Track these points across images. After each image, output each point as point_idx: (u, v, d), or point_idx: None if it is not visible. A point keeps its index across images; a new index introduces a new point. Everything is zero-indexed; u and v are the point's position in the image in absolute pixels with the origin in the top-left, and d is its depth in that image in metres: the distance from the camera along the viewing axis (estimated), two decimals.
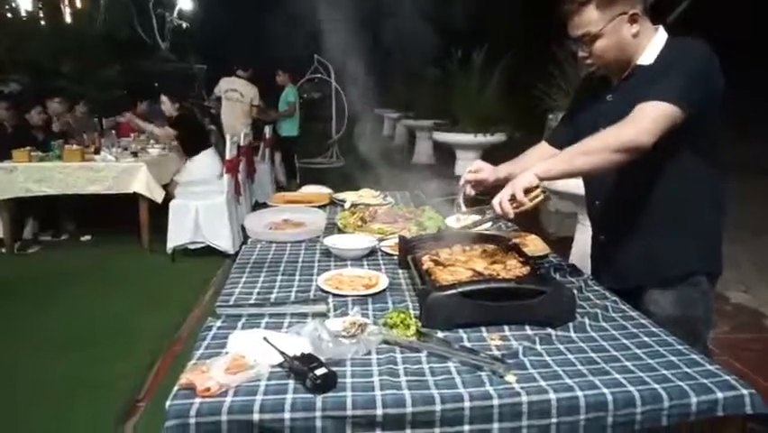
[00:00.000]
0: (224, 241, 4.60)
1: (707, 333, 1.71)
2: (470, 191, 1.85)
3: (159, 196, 4.83)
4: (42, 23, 10.39)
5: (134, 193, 4.81)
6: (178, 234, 4.59)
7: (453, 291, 1.40)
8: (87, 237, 5.42)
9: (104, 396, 2.63)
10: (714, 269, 1.69)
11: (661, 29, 1.63)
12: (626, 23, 1.55)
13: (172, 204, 4.67)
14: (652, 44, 1.59)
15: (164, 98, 5.38)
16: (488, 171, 1.84)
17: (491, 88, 7.29)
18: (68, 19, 10.88)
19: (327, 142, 10.54)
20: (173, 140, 5.52)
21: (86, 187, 4.77)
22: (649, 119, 1.45)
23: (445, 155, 8.91)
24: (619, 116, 1.61)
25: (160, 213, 4.85)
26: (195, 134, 5.46)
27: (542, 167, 1.55)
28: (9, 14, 9.66)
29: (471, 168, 1.86)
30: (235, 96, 6.94)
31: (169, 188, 5.17)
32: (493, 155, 7.60)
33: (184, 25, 15.23)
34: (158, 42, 14.16)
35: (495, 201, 1.55)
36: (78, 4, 11.24)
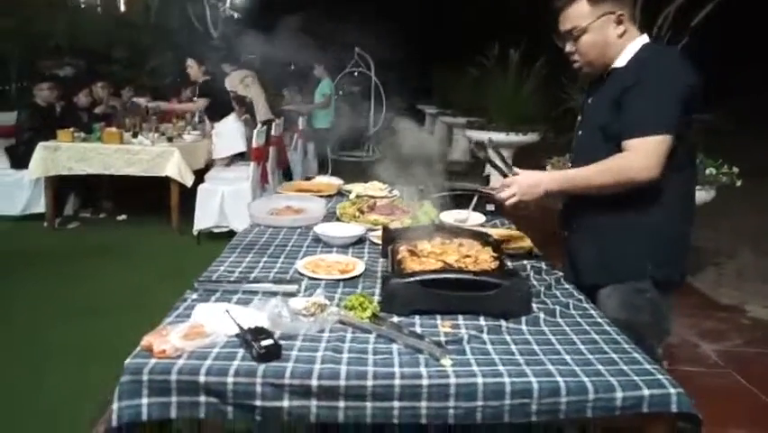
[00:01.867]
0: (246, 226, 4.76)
1: (656, 340, 1.70)
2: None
3: (189, 180, 5.04)
4: (99, 10, 10.87)
5: (166, 177, 5.03)
6: (203, 218, 4.80)
7: (411, 279, 1.47)
8: (123, 216, 5.70)
9: (118, 362, 2.82)
10: (665, 277, 1.68)
11: (644, 36, 1.68)
12: (613, 23, 1.62)
13: (200, 188, 4.88)
14: (629, 48, 1.65)
15: (191, 62, 5.41)
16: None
17: (527, 87, 7.22)
18: (122, 7, 11.36)
19: (364, 136, 10.66)
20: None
21: (123, 168, 5.03)
22: (650, 157, 1.52)
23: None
24: (591, 117, 1.73)
25: (193, 196, 5.06)
26: (221, 100, 5.59)
27: (552, 185, 1.67)
28: (67, 1, 10.14)
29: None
30: (250, 81, 7.07)
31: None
32: (526, 155, 7.58)
33: (235, 16, 15.64)
34: (210, 32, 14.61)
35: (504, 195, 1.70)
36: None
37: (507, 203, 1.70)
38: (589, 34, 1.63)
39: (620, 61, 1.66)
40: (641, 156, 1.52)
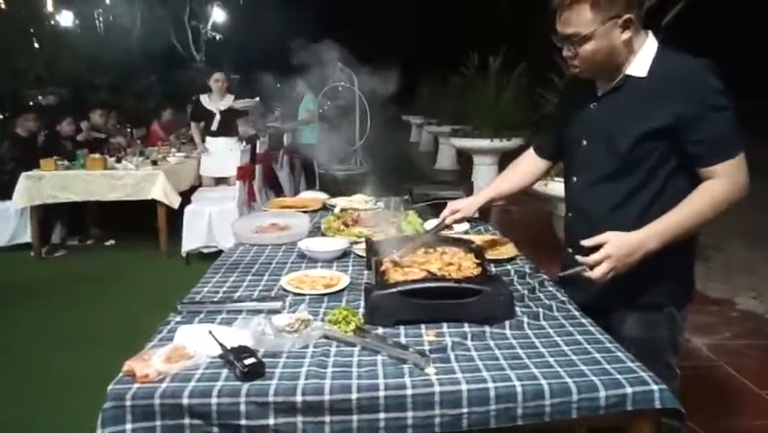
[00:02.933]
0: None
1: (671, 355, 1.66)
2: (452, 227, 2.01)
3: (175, 202, 5.03)
4: (80, 37, 10.88)
5: (153, 199, 5.02)
6: (191, 239, 4.79)
7: (393, 290, 1.48)
8: (111, 242, 5.68)
9: (105, 390, 2.81)
10: (681, 301, 1.66)
11: (650, 35, 1.57)
12: (619, 28, 1.48)
13: (187, 209, 4.87)
14: (642, 53, 1.53)
15: (220, 75, 5.69)
16: (465, 209, 1.97)
17: (508, 94, 7.29)
18: (104, 33, 11.40)
19: (351, 149, 10.68)
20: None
21: (108, 194, 5.02)
22: (742, 174, 1.49)
23: (468, 160, 8.96)
24: (604, 130, 1.60)
25: (180, 218, 5.05)
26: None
27: (656, 244, 1.47)
28: (48, 30, 10.15)
29: (447, 211, 1.99)
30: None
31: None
32: (510, 160, 7.63)
33: (217, 37, 15.71)
34: (192, 54, 14.65)
35: (597, 275, 1.46)
36: (115, 19, 11.76)
37: (605, 280, 1.47)
38: (593, 41, 1.48)
39: (637, 69, 1.53)
40: (733, 179, 1.47)
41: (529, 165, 2.02)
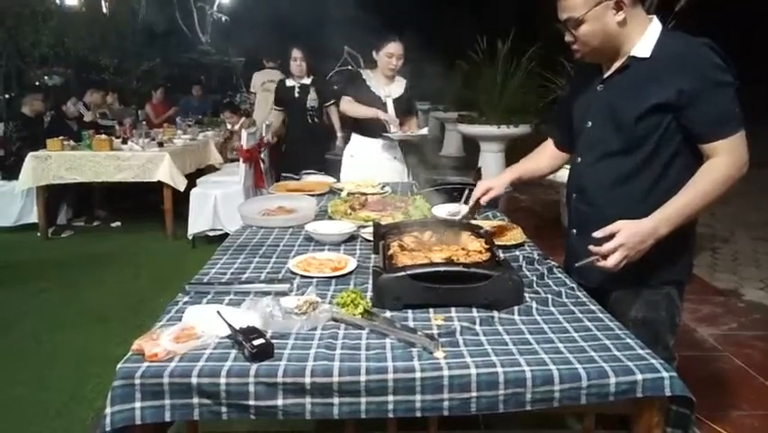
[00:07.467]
0: None
1: (670, 336, 1.69)
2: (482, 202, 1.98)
3: (181, 184, 5.03)
4: (85, 17, 10.81)
5: (159, 181, 5.02)
6: (197, 222, 4.79)
7: (402, 274, 1.47)
8: (118, 224, 5.69)
9: (112, 369, 2.82)
10: (682, 278, 1.68)
11: (655, 19, 1.60)
12: (611, 10, 1.52)
13: (193, 192, 4.86)
14: (646, 35, 1.56)
15: (400, 49, 3.71)
16: (497, 186, 1.96)
17: (516, 80, 7.21)
18: (109, 13, 11.31)
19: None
20: None
21: (114, 175, 5.02)
22: (743, 150, 1.50)
23: (474, 146, 8.91)
24: (608, 109, 1.62)
25: (186, 201, 5.05)
26: None
27: (667, 228, 1.48)
28: (53, 9, 10.07)
29: (480, 191, 1.96)
30: (274, 87, 7.03)
31: None
32: (517, 147, 7.58)
33: (223, 19, 15.59)
34: (198, 36, 14.55)
35: (611, 263, 1.46)
36: None
37: (618, 268, 1.48)
38: (586, 24, 1.53)
39: (641, 50, 1.55)
40: (734, 156, 1.48)
41: (553, 151, 2.02)
